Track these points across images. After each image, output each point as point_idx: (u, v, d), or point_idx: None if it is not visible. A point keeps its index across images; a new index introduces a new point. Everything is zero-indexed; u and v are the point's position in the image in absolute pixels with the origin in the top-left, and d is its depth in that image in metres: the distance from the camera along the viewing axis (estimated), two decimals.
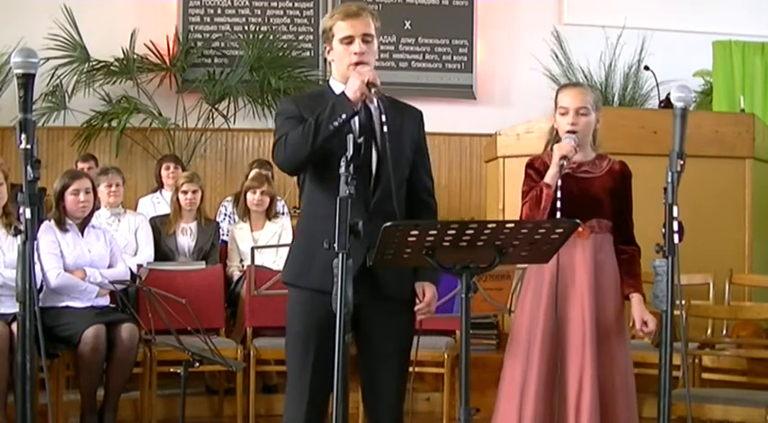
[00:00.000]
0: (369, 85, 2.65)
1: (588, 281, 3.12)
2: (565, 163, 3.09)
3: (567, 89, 3.33)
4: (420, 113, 2.97)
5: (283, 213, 6.03)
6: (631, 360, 3.28)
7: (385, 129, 2.70)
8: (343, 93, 2.69)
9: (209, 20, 7.90)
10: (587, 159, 3.26)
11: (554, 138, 3.32)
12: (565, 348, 3.11)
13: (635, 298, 3.24)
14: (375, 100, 2.75)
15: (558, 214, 3.08)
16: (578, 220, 2.42)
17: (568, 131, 3.20)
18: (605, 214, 3.20)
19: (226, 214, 6.18)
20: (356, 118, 2.74)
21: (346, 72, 2.78)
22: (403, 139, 2.85)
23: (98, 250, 4.64)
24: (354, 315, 2.71)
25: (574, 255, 3.12)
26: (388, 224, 2.28)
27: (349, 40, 2.78)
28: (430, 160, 2.99)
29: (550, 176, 3.12)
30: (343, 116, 2.63)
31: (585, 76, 7.93)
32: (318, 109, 2.71)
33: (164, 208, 5.96)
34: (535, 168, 3.25)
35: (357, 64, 2.75)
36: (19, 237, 2.40)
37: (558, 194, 3.11)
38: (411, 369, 2.93)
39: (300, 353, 2.80)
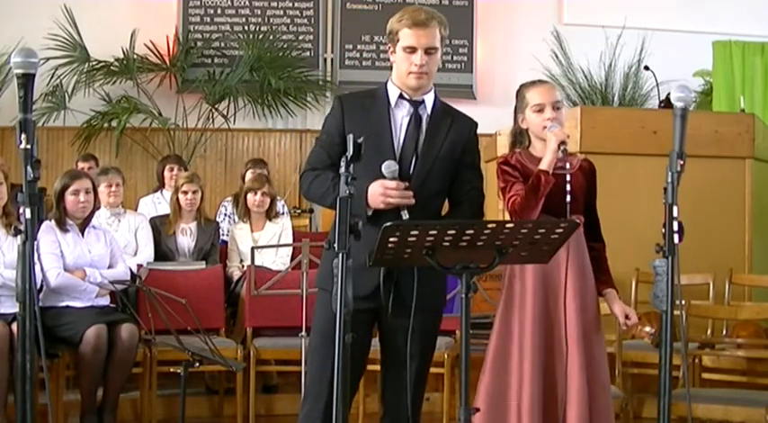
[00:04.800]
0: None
1: (573, 278, 3.09)
2: (564, 148, 3.06)
3: (536, 86, 3.23)
4: (472, 123, 3.05)
5: (283, 213, 6.03)
6: (606, 356, 3.25)
7: (423, 134, 2.77)
8: (366, 193, 2.70)
9: (209, 20, 7.90)
10: (560, 156, 3.22)
11: (519, 138, 3.28)
12: (553, 347, 3.09)
13: (611, 293, 3.20)
14: (427, 108, 2.81)
15: (568, 209, 3.04)
16: (578, 221, 2.42)
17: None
18: (580, 210, 3.17)
19: (226, 214, 6.18)
20: (404, 122, 2.84)
21: (405, 78, 2.86)
22: (442, 148, 2.89)
23: (98, 250, 4.64)
24: (380, 315, 2.80)
25: (558, 251, 3.09)
26: (388, 224, 2.29)
27: (411, 50, 2.83)
28: (481, 174, 3.04)
29: (547, 163, 3.04)
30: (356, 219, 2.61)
31: (585, 76, 7.94)
32: (364, 117, 2.80)
33: (165, 208, 5.95)
34: (512, 165, 3.18)
35: (415, 73, 2.83)
36: (19, 237, 2.40)
37: (568, 188, 3.07)
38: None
39: (323, 352, 2.81)
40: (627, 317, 3.17)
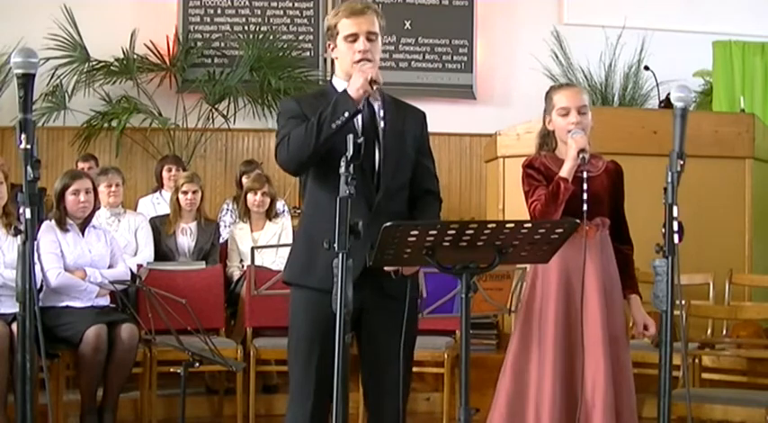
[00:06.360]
0: (371, 82, 2.63)
1: (597, 280, 3.12)
2: (585, 156, 3.07)
3: (564, 89, 3.29)
4: (423, 114, 2.96)
5: (284, 213, 6.03)
6: (631, 359, 3.28)
7: (382, 124, 2.72)
8: (345, 90, 2.67)
9: (209, 20, 7.89)
10: (580, 163, 3.23)
11: (546, 140, 3.30)
12: (578, 347, 3.10)
13: (634, 300, 3.24)
14: (378, 98, 2.75)
15: (585, 216, 3.05)
16: (578, 220, 2.42)
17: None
18: (605, 213, 3.20)
19: (228, 209, 6.20)
20: (359, 117, 2.73)
21: (350, 70, 2.77)
22: (405, 140, 2.84)
23: (98, 250, 4.64)
24: (358, 315, 2.72)
25: (582, 253, 3.11)
26: (388, 224, 2.28)
27: (353, 38, 2.77)
28: (434, 161, 2.99)
29: (567, 170, 3.08)
30: (346, 114, 2.61)
31: (585, 76, 7.93)
32: (321, 107, 2.69)
33: (164, 208, 5.96)
34: (535, 168, 3.23)
35: (360, 61, 2.74)
36: (19, 237, 2.40)
37: (585, 197, 3.09)
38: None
39: (304, 353, 2.79)
40: (645, 327, 3.19)
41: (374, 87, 2.64)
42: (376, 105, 2.81)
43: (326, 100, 2.75)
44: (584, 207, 3.07)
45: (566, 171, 3.09)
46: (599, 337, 3.07)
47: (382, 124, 2.76)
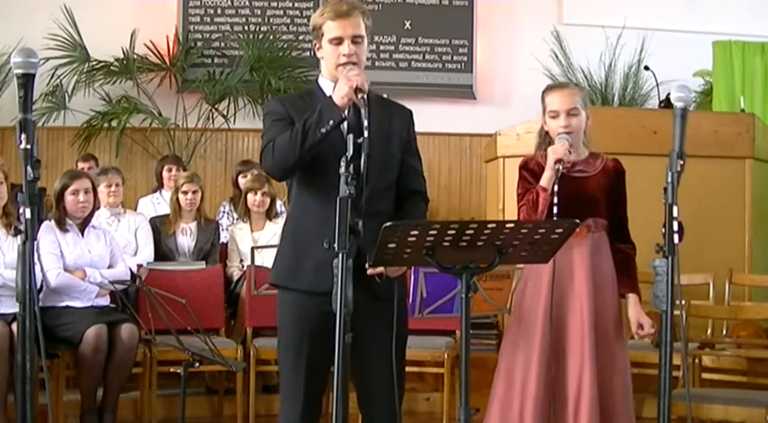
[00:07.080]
0: (356, 90, 2.61)
1: (587, 281, 3.11)
2: (560, 167, 3.08)
3: (554, 91, 3.26)
4: (409, 112, 2.94)
5: (282, 213, 6.03)
6: (629, 360, 3.27)
7: (366, 124, 2.67)
8: (330, 97, 2.65)
9: (209, 20, 7.89)
10: (581, 158, 3.24)
11: (545, 139, 3.30)
12: (564, 349, 3.10)
13: (631, 298, 3.22)
14: (364, 104, 2.73)
15: (555, 216, 3.07)
16: (577, 220, 2.43)
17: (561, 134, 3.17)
18: (601, 213, 3.19)
19: (224, 211, 6.20)
20: (344, 114, 2.70)
21: (335, 72, 2.76)
22: (391, 140, 2.83)
23: (98, 250, 4.64)
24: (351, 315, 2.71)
25: (572, 255, 3.11)
26: (388, 224, 2.28)
27: (338, 42, 2.75)
28: (421, 160, 2.96)
29: (546, 180, 3.09)
30: (331, 122, 2.60)
31: (585, 76, 7.93)
32: (307, 109, 2.68)
33: (164, 208, 5.96)
34: (530, 169, 3.23)
35: (345, 64, 2.72)
36: (19, 237, 2.40)
37: (555, 199, 3.10)
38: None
39: (294, 354, 2.78)
40: (640, 326, 3.18)
41: (359, 96, 2.61)
42: (361, 105, 2.80)
43: (312, 101, 2.74)
44: (554, 206, 3.08)
45: (544, 181, 3.11)
46: (585, 338, 3.07)
47: (366, 124, 2.73)
